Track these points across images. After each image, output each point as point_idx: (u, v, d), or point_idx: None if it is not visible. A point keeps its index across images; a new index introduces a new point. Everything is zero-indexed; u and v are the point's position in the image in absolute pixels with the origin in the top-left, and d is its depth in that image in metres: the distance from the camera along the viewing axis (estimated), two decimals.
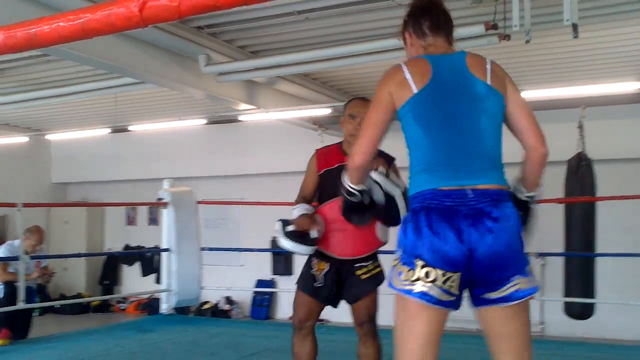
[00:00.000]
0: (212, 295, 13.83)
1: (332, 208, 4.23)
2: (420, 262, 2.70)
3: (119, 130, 13.53)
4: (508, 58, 9.10)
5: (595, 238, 8.56)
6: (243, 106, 10.26)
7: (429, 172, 2.80)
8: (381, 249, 4.53)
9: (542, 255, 8.28)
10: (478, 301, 2.82)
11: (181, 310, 10.26)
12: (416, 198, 2.81)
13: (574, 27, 5.97)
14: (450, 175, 2.75)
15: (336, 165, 4.34)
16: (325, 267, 4.48)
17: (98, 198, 16.26)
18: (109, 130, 13.36)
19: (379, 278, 4.48)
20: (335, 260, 4.46)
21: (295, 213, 4.42)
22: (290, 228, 4.39)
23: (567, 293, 8.57)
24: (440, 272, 2.67)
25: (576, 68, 9.62)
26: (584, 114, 8.61)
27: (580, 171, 8.53)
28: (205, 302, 13.85)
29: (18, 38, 2.61)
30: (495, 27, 6.62)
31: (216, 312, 13.83)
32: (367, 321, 4.43)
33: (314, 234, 4.33)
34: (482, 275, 2.72)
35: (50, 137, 15.30)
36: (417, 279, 2.70)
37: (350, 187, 3.16)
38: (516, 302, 2.72)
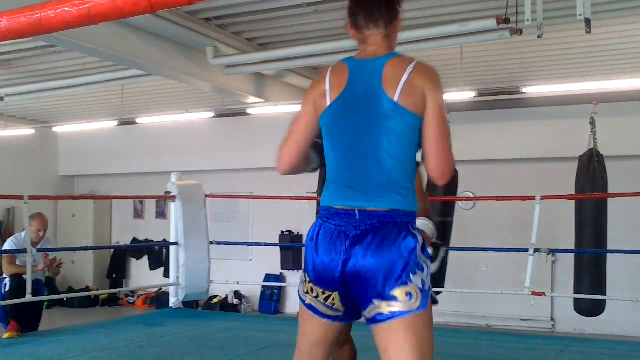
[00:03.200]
0: (221, 289, 13.78)
1: None
2: (307, 278, 2.82)
3: (126, 122, 13.49)
4: (520, 53, 9.05)
5: (606, 235, 8.51)
6: (251, 99, 10.22)
7: (330, 188, 2.81)
8: None
9: (552, 251, 8.21)
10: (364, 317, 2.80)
11: (190, 305, 10.23)
12: (319, 212, 2.83)
13: (587, 22, 5.92)
14: (344, 195, 2.73)
15: None
16: None
17: (106, 191, 16.24)
18: (116, 122, 13.33)
19: None
20: None
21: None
22: None
23: (578, 290, 8.54)
24: (320, 290, 2.76)
25: (588, 64, 9.53)
26: (596, 110, 8.55)
27: (591, 168, 8.48)
28: (214, 297, 13.85)
29: (22, 23, 2.54)
30: (507, 21, 6.56)
31: (225, 307, 13.79)
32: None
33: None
34: (354, 294, 2.71)
35: (57, 129, 15.29)
36: (307, 292, 2.83)
37: None
38: (384, 323, 2.64)
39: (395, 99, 2.67)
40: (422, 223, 3.77)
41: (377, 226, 2.64)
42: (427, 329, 2.68)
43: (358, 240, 2.64)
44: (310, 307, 2.83)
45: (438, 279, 8.85)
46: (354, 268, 2.63)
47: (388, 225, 2.65)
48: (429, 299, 2.69)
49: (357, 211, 2.67)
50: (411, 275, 2.62)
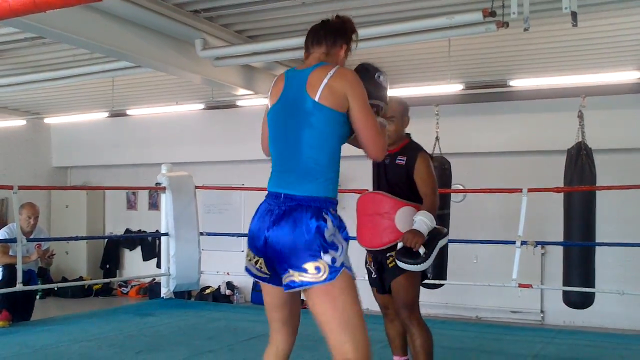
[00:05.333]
0: (214, 280, 13.80)
1: (364, 200, 4.75)
2: (246, 245, 3.47)
3: (117, 114, 13.52)
4: (506, 46, 9.06)
5: (594, 227, 8.56)
6: (241, 91, 10.23)
7: (271, 175, 3.44)
8: None
9: (540, 244, 8.25)
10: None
11: (181, 295, 10.25)
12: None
13: (573, 15, 5.94)
14: (277, 181, 3.37)
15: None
16: (372, 259, 4.79)
17: (99, 182, 16.21)
18: (107, 114, 13.35)
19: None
20: (373, 251, 4.71)
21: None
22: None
23: (567, 282, 8.59)
24: (252, 254, 3.39)
25: (576, 57, 9.53)
26: (584, 103, 8.58)
27: (579, 160, 8.52)
28: (207, 287, 13.87)
29: None
30: (493, 14, 6.57)
31: (218, 297, 13.80)
32: (401, 307, 4.56)
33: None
34: (273, 261, 3.28)
35: (49, 120, 15.28)
36: (246, 256, 3.46)
37: None
38: (297, 289, 3.20)
39: (316, 98, 3.26)
40: (420, 220, 4.36)
41: (293, 208, 3.23)
42: (333, 299, 3.18)
43: (279, 217, 3.23)
44: (246, 269, 3.46)
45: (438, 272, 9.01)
46: (270, 240, 3.23)
47: (302, 207, 3.23)
48: (340, 274, 3.17)
49: (282, 194, 3.28)
50: (322, 252, 3.16)
